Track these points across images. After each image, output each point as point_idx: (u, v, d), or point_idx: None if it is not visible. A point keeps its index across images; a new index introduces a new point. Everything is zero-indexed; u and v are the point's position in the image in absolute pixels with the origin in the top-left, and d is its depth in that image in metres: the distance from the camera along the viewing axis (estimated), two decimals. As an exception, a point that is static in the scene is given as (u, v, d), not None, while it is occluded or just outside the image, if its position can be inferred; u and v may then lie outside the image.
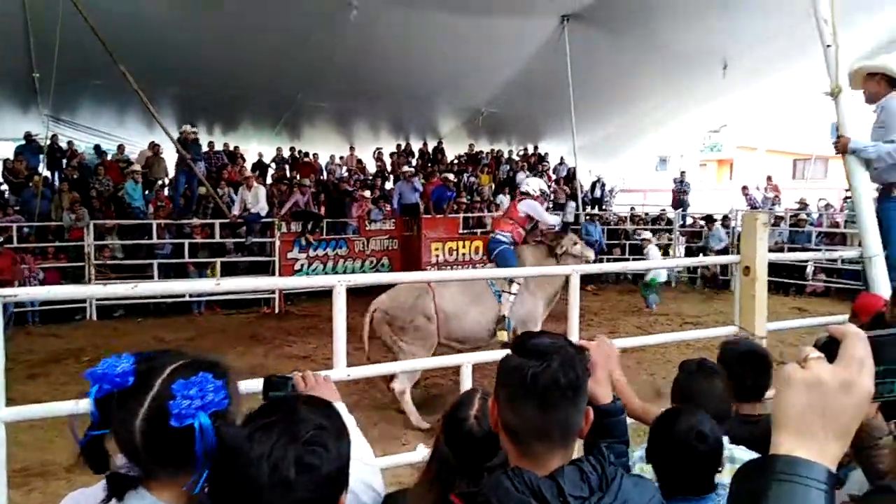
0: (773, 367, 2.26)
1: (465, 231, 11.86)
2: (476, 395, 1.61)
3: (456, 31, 10.85)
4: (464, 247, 11.63)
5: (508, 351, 1.26)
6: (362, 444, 1.56)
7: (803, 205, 13.57)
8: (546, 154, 17.33)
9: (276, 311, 10.34)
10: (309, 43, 10.73)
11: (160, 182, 12.11)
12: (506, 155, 17.10)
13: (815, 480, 0.65)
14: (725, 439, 1.84)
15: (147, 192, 11.46)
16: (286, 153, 15.29)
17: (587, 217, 13.54)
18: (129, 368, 1.08)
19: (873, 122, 3.96)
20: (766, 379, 2.22)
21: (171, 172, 12.11)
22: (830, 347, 0.71)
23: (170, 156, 12.45)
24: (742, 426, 2.07)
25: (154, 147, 12.55)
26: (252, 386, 1.91)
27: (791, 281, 11.44)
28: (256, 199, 10.87)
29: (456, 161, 16.24)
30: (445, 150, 16.83)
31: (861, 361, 0.69)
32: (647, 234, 10.01)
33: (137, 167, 11.57)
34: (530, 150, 17.70)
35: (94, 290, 4.81)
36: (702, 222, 13.48)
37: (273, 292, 10.31)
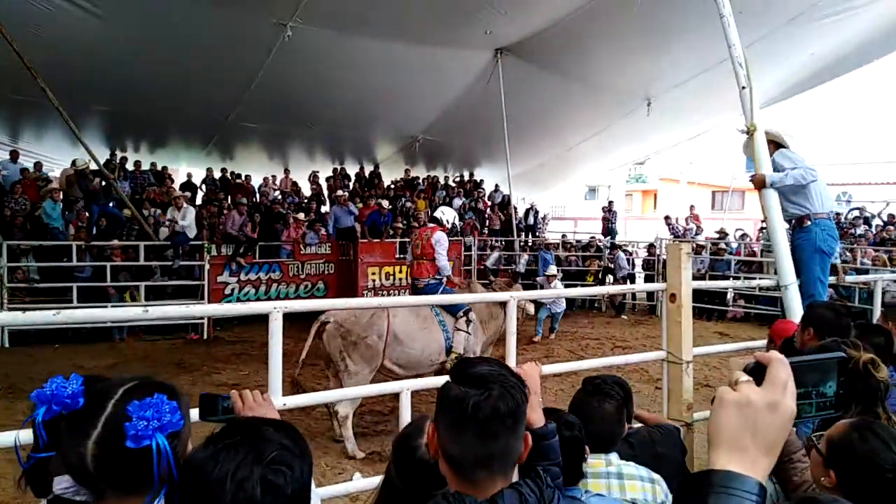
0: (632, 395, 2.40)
1: (402, 256, 11.85)
2: (426, 422, 1.62)
3: (392, 59, 10.94)
4: (400, 272, 11.61)
5: (447, 378, 1.28)
6: None
7: (723, 234, 14.35)
8: (481, 181, 17.63)
9: (205, 336, 9.98)
10: (241, 63, 10.54)
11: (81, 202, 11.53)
12: (442, 181, 17.28)
13: (748, 493, 0.71)
14: (615, 456, 1.99)
15: (67, 212, 10.88)
16: (217, 174, 14.90)
17: (543, 246, 13.75)
18: (78, 389, 1.07)
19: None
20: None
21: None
22: (758, 372, 0.79)
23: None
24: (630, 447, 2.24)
25: (76, 165, 11.94)
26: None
27: (713, 307, 12.02)
28: (185, 218, 10.52)
29: (392, 186, 16.27)
30: (382, 174, 16.84)
31: (785, 384, 0.77)
32: (553, 270, 10.28)
33: (56, 185, 10.98)
34: (466, 177, 17.97)
35: (9, 318, 4.25)
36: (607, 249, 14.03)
37: (203, 318, 9.95)
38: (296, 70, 10.82)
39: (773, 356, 0.79)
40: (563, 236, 16.26)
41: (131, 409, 1.03)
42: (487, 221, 15.56)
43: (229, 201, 12.86)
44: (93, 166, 10.74)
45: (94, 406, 1.06)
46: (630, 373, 6.89)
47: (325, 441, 5.32)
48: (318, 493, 2.09)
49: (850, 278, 5.51)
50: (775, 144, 4.40)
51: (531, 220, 16.47)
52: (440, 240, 6.05)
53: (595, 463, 1.94)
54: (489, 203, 16.30)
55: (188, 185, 14.50)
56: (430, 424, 1.27)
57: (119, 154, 14.02)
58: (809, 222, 4.23)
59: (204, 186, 14.58)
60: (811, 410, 0.82)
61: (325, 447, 5.19)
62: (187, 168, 15.68)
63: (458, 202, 15.57)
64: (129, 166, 13.66)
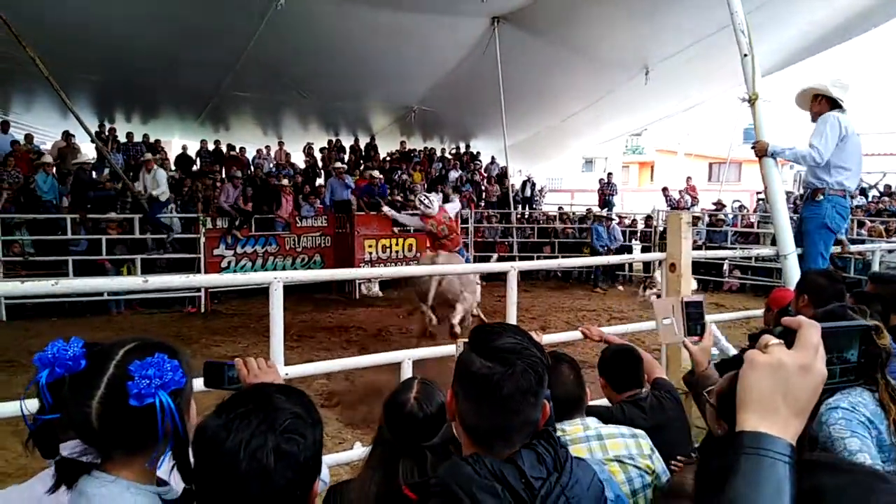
0: (642, 361, 2.53)
1: (398, 228, 11.82)
2: (414, 381, 1.65)
3: (387, 28, 10.76)
4: (397, 244, 11.59)
5: (465, 344, 1.26)
6: None
7: (720, 206, 14.34)
8: (478, 153, 17.52)
9: (202, 309, 9.98)
10: (233, 31, 10.32)
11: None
12: (438, 153, 17.16)
13: (779, 454, 0.70)
14: (593, 419, 2.03)
15: (60, 184, 10.78)
16: (211, 146, 14.75)
17: (595, 219, 13.68)
18: (80, 352, 1.09)
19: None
20: (638, 371, 2.50)
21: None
22: (787, 336, 0.78)
23: (85, 147, 11.77)
24: (621, 411, 2.33)
25: (68, 137, 11.82)
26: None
27: (709, 278, 12.07)
28: (157, 183, 10.06)
29: (388, 158, 16.16)
30: (378, 146, 16.71)
31: (816, 347, 0.76)
32: None
33: (49, 158, 10.85)
34: (462, 149, 17.84)
35: (8, 288, 4.29)
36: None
37: (199, 290, 9.93)
38: (288, 39, 10.63)
39: (804, 320, 0.78)
40: (560, 209, 16.24)
41: (133, 368, 1.04)
42: (484, 194, 15.51)
43: (223, 174, 12.77)
44: (90, 155, 10.48)
45: (95, 367, 1.08)
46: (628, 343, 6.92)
47: (325, 412, 5.35)
48: (324, 460, 2.11)
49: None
50: (829, 101, 4.18)
51: (528, 192, 16.42)
52: (454, 209, 7.43)
53: (574, 429, 1.95)
54: (485, 175, 16.22)
55: (183, 158, 14.36)
56: (449, 391, 1.27)
57: (108, 125, 13.86)
58: (822, 196, 4.16)
59: (199, 160, 14.43)
60: (836, 376, 0.81)
61: (325, 417, 5.20)
62: (181, 139, 15.50)
63: (454, 174, 15.50)
64: (122, 138, 13.51)
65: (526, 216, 15.30)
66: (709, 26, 10.08)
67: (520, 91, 12.97)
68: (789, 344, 0.77)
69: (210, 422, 1.00)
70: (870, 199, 13.89)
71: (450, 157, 17.01)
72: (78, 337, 1.12)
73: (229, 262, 10.67)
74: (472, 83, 13.10)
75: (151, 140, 13.97)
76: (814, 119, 4.22)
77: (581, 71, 12.99)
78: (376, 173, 13.06)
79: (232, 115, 15.25)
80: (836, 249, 4.43)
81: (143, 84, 12.28)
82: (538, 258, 13.18)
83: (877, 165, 19.05)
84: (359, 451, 3.25)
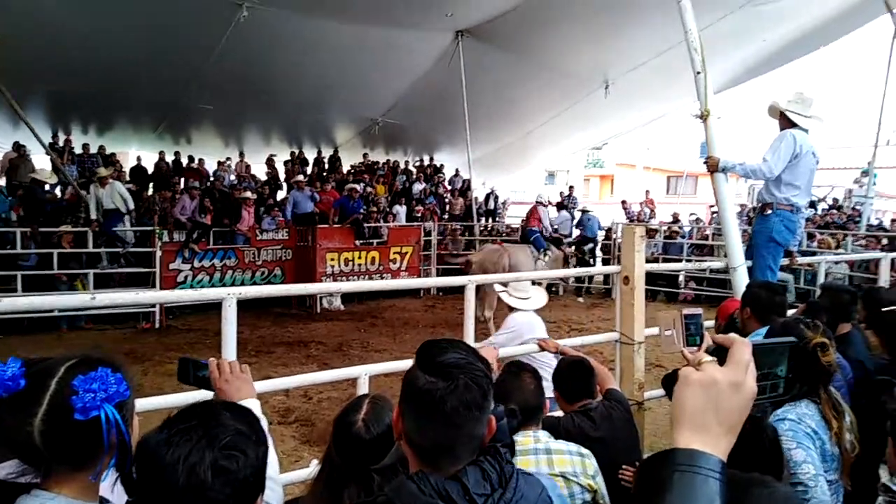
0: (594, 372, 2.59)
1: (361, 242, 11.74)
2: (365, 400, 1.63)
3: (351, 41, 10.76)
4: (360, 257, 11.51)
5: (413, 362, 1.26)
6: (271, 454, 1.55)
7: (676, 219, 14.67)
8: (442, 165, 17.58)
9: (157, 325, 9.71)
10: (194, 42, 10.19)
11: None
12: (402, 165, 17.16)
13: (711, 470, 0.72)
14: (544, 433, 2.06)
15: (10, 197, 10.40)
16: (170, 157, 14.45)
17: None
18: (18, 371, 1.08)
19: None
20: (590, 382, 2.56)
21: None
22: (719, 353, 0.80)
23: (38, 159, 11.41)
24: (571, 421, 2.37)
25: (19, 148, 11.45)
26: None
27: (665, 289, 12.32)
28: (113, 198, 9.81)
29: (352, 170, 16.09)
30: (342, 158, 16.63)
31: (747, 365, 0.78)
32: None
33: (-3, 170, 10.50)
34: (426, 162, 17.89)
35: None
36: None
37: (153, 305, 9.66)
38: (251, 51, 10.54)
39: (735, 338, 0.81)
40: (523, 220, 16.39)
41: (77, 383, 1.05)
42: (448, 206, 15.55)
43: (182, 185, 12.51)
44: (47, 169, 10.14)
45: (36, 385, 1.07)
46: (585, 354, 7.00)
47: (282, 429, 5.27)
48: (280, 479, 2.07)
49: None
50: (786, 120, 4.30)
51: (491, 204, 16.53)
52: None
53: (524, 441, 1.98)
54: (449, 188, 16.28)
55: (138, 170, 14.03)
56: (397, 408, 1.27)
57: (63, 136, 13.48)
58: (771, 211, 4.28)
59: (157, 171, 14.09)
60: (767, 391, 0.83)
61: (282, 435, 5.14)
62: (138, 151, 15.14)
63: (418, 187, 15.51)
64: (78, 149, 13.13)
65: (489, 228, 15.40)
66: (667, 43, 10.37)
67: (484, 104, 13.11)
68: (722, 361, 0.79)
69: (152, 436, 1.01)
70: (818, 211, 14.40)
71: (413, 169, 17.03)
72: (16, 357, 1.10)
73: (186, 277, 10.43)
74: (437, 96, 13.18)
75: (108, 152, 13.61)
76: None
77: (543, 85, 13.21)
78: (359, 186, 12.91)
79: (192, 126, 15.01)
80: (785, 261, 4.57)
81: (100, 95, 11.99)
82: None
83: (826, 179, 19.83)
84: (315, 469, 3.19)
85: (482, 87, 12.48)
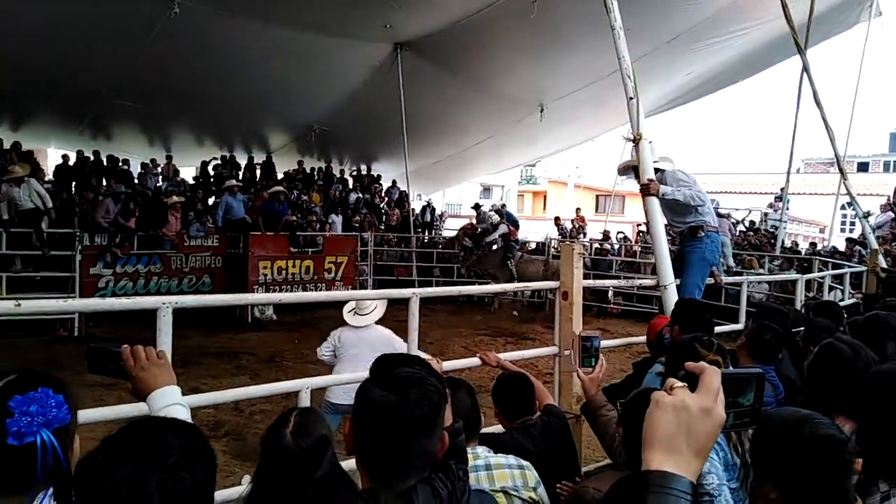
0: (534, 388, 2.63)
1: (296, 250, 11.50)
2: (293, 413, 1.61)
3: (288, 45, 10.53)
4: (293, 266, 11.28)
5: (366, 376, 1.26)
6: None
7: (606, 236, 15.17)
8: (379, 176, 17.52)
9: (76, 333, 9.17)
10: (121, 36, 9.64)
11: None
12: (337, 174, 16.97)
13: (682, 492, 0.75)
14: (483, 448, 2.08)
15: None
16: (90, 156, 13.70)
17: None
18: None
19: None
20: (529, 398, 2.59)
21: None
22: (690, 380, 0.84)
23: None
24: (511, 437, 2.41)
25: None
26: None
27: (595, 303, 12.71)
28: (32, 198, 9.34)
29: (284, 177, 15.76)
30: (275, 164, 16.28)
31: (717, 392, 0.82)
32: None
33: None
34: (364, 171, 17.79)
35: None
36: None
37: (73, 313, 9.13)
38: (182, 49, 10.11)
39: (706, 366, 0.85)
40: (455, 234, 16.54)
41: (13, 404, 0.98)
42: (385, 217, 15.50)
43: (105, 187, 11.91)
44: None
45: None
46: (522, 368, 7.11)
47: (212, 443, 5.06)
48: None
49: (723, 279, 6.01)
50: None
51: (428, 217, 16.60)
52: None
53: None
54: (385, 199, 16.23)
55: (64, 168, 13.23)
56: (348, 423, 1.26)
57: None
58: (703, 233, 4.59)
59: (76, 171, 13.33)
60: (730, 419, 0.87)
61: (212, 449, 4.94)
62: (57, 149, 14.28)
63: (354, 196, 15.39)
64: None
65: (425, 240, 15.44)
66: (600, 69, 10.76)
67: (422, 118, 13.15)
68: (692, 387, 0.83)
69: (92, 457, 0.93)
70: (736, 233, 15.24)
71: (349, 178, 16.89)
72: None
73: (107, 282, 9.92)
74: (375, 107, 13.11)
75: (24, 149, 12.76)
76: (643, 191, 4.48)
77: (481, 104, 13.41)
78: (282, 188, 12.63)
79: (115, 125, 14.25)
80: (710, 281, 4.85)
81: (13, 87, 11.22)
82: (436, 283, 13.34)
83: (744, 203, 21.05)
84: (248, 485, 3.09)
85: (420, 101, 12.52)
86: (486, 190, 31.19)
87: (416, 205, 17.06)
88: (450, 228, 18.07)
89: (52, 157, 14.28)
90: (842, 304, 5.58)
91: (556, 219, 17.27)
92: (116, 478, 0.90)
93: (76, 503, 0.95)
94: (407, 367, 1.24)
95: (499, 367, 3.24)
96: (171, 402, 1.44)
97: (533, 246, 15.78)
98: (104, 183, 12.64)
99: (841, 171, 8.30)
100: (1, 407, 0.98)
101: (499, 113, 13.97)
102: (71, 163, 13.47)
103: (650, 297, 11.90)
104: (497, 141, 15.68)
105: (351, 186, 16.09)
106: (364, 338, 4.43)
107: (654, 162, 4.63)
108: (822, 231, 21.80)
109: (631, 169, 4.72)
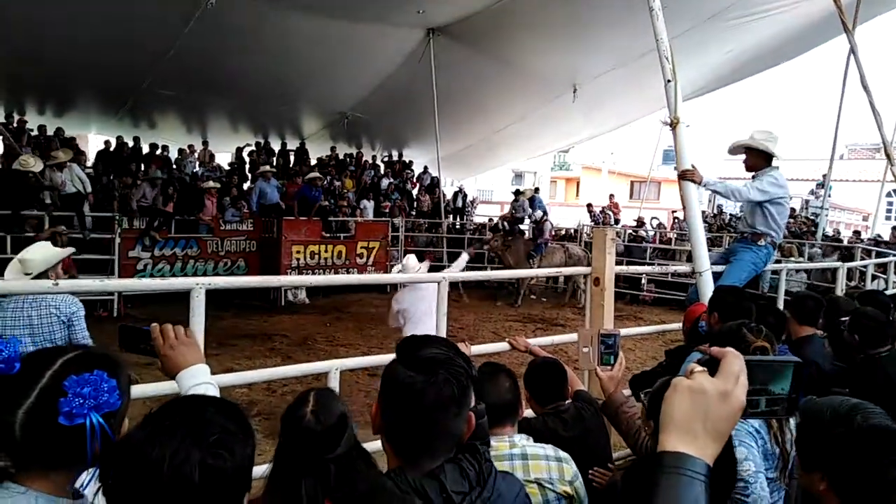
0: (566, 374, 2.57)
1: (329, 235, 11.62)
2: (311, 392, 1.62)
3: (321, 33, 10.61)
4: (326, 250, 11.39)
5: (394, 356, 1.25)
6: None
7: (641, 223, 14.94)
8: (411, 162, 17.52)
9: (115, 314, 9.44)
10: (160, 27, 9.86)
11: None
12: (370, 160, 17.04)
13: (697, 473, 0.75)
14: (522, 436, 2.03)
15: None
16: (130, 142, 14.02)
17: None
18: (15, 354, 1.01)
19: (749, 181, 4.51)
20: (562, 384, 2.53)
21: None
22: (711, 364, 0.83)
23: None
24: (543, 423, 2.37)
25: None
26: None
27: (627, 290, 12.55)
28: (74, 183, 9.64)
29: (317, 163, 15.89)
30: (309, 150, 16.42)
31: (737, 376, 0.81)
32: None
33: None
34: (395, 157, 17.82)
35: None
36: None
37: (112, 293, 9.39)
38: (218, 38, 10.27)
39: (728, 350, 0.83)
40: (490, 220, 16.48)
41: (68, 384, 0.99)
42: (416, 203, 15.51)
43: (143, 173, 12.18)
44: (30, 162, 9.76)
45: (29, 374, 1.01)
46: (551, 354, 7.08)
47: (245, 423, 5.18)
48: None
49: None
50: (764, 156, 4.47)
51: (459, 202, 16.56)
52: None
53: (499, 446, 1.94)
54: (417, 184, 16.24)
55: (105, 154, 13.59)
56: (375, 404, 1.26)
57: (17, 116, 12.96)
58: (764, 243, 4.50)
59: (116, 157, 13.65)
60: (761, 406, 0.85)
61: (253, 429, 5.05)
62: (98, 135, 14.64)
63: (386, 182, 15.43)
64: (34, 130, 12.63)
65: (457, 226, 15.42)
66: (636, 50, 10.53)
67: (453, 102, 13.10)
68: (713, 372, 0.81)
69: (134, 434, 0.94)
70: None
71: (381, 164, 16.93)
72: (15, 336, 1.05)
73: (146, 265, 10.17)
74: (407, 92, 13.12)
75: (66, 135, 13.13)
76: (748, 169, 4.51)
77: (513, 85, 13.28)
78: (322, 177, 12.72)
79: (155, 112, 14.60)
80: None
81: (58, 76, 11.54)
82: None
83: (793, 189, 20.42)
84: (268, 465, 3.14)
85: (452, 86, 12.47)
86: (518, 176, 30.93)
87: (448, 191, 17.00)
88: (481, 214, 18.01)
89: (93, 142, 14.58)
90: (886, 293, 5.39)
91: (589, 205, 17.07)
92: (157, 455, 0.90)
93: (116, 480, 0.96)
94: (434, 348, 1.23)
95: (527, 352, 3.22)
96: (201, 380, 1.46)
97: (563, 233, 15.60)
98: (142, 168, 12.91)
99: (888, 156, 7.97)
100: (56, 385, 0.99)
101: (531, 93, 13.81)
102: (112, 149, 13.80)
103: (684, 284, 11.69)
104: (529, 123, 15.51)
105: (382, 172, 16.12)
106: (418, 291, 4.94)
107: (756, 140, 4.46)
108: (865, 219, 21.10)
109: (742, 149, 4.56)
